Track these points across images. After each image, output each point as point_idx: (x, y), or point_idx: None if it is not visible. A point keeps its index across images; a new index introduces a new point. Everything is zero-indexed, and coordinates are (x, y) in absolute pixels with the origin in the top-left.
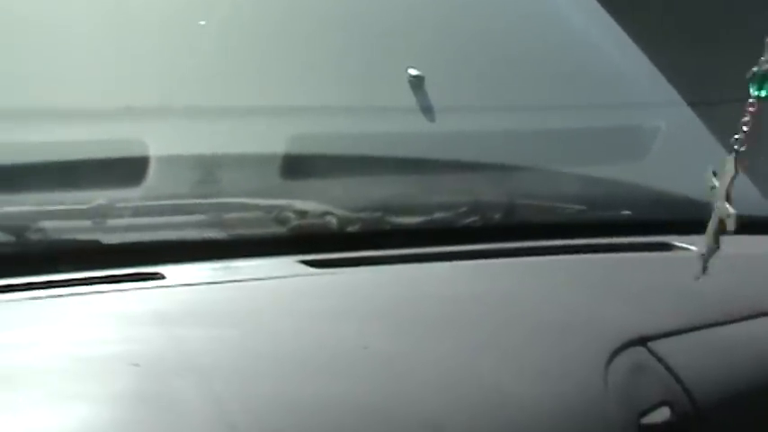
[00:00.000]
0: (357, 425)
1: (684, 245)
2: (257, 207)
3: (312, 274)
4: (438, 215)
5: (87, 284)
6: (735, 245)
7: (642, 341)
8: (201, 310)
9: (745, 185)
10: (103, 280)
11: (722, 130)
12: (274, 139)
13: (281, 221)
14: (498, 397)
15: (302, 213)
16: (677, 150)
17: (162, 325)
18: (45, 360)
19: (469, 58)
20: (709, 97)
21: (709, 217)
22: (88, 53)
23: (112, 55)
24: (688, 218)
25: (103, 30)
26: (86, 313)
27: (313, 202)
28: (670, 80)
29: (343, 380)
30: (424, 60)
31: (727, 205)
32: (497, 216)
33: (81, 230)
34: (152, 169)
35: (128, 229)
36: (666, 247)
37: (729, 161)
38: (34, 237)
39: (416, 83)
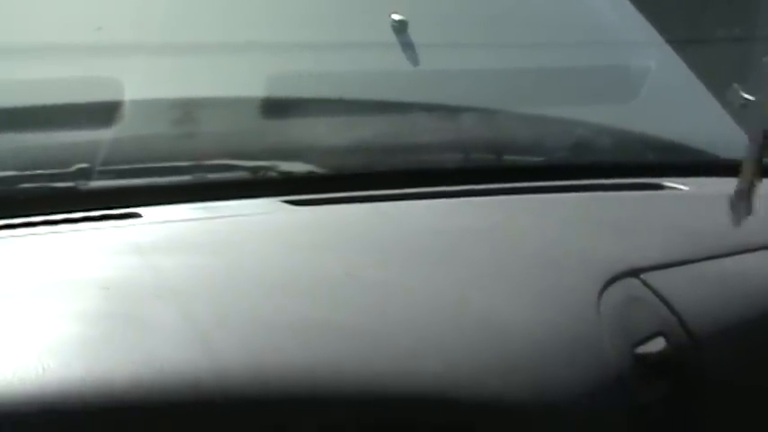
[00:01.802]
0: (339, 345)
1: (674, 185)
2: (236, 149)
3: (294, 211)
4: (423, 156)
5: (63, 224)
6: (723, 185)
7: (635, 273)
8: (179, 242)
9: (736, 130)
10: (82, 220)
11: (711, 71)
12: (255, 78)
13: (263, 164)
14: (489, 323)
15: (285, 154)
16: (666, 93)
17: (136, 254)
18: (19, 287)
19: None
20: (698, 37)
21: (700, 160)
22: None
23: None
24: (677, 161)
25: None
26: (62, 248)
27: (296, 144)
28: (659, 20)
29: (324, 303)
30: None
31: None
32: (485, 157)
33: (56, 176)
34: (128, 110)
35: (105, 172)
36: (657, 187)
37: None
38: (11, 181)
39: (399, 27)
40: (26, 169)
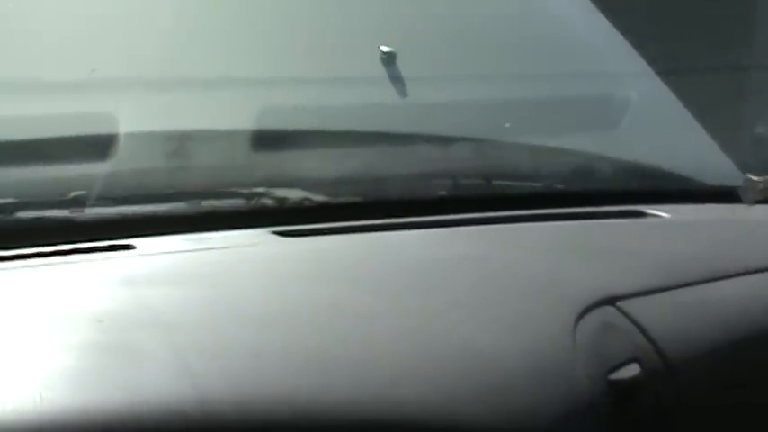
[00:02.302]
0: (323, 376)
1: (655, 212)
2: (228, 180)
3: (283, 243)
4: (410, 186)
5: (56, 255)
6: (705, 212)
7: (611, 300)
8: (169, 274)
9: (716, 156)
10: (73, 252)
11: (692, 100)
12: (246, 112)
13: (253, 194)
14: (467, 352)
15: (274, 186)
16: (648, 121)
17: (128, 287)
18: (10, 319)
19: (440, 31)
20: (680, 67)
21: (682, 187)
22: (54, 24)
23: (78, 27)
24: (660, 188)
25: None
26: (54, 281)
27: (286, 176)
28: (641, 51)
29: (308, 333)
30: (395, 34)
31: None
32: (470, 187)
33: (51, 206)
34: (122, 143)
35: (98, 204)
36: (638, 214)
37: None
38: (6, 215)
39: (388, 59)
40: (22, 201)
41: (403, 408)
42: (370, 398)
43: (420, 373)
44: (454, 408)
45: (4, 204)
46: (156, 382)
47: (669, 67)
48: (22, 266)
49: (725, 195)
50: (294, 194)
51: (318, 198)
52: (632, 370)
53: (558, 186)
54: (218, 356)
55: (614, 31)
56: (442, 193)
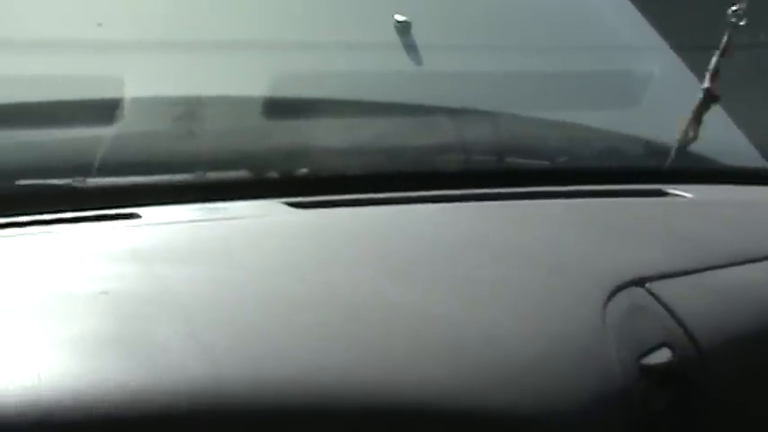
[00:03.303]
0: (340, 356)
1: (677, 192)
2: (238, 149)
3: (297, 215)
4: (425, 158)
5: (59, 223)
6: (729, 194)
7: (641, 282)
8: (177, 245)
9: (739, 137)
10: (78, 220)
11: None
12: (258, 78)
13: (266, 164)
14: (492, 333)
15: (286, 155)
16: (669, 98)
17: (134, 258)
18: (14, 292)
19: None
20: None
21: (704, 166)
22: None
23: None
24: (680, 167)
25: None
26: (61, 249)
27: (299, 145)
28: (666, 27)
29: (325, 313)
30: (411, 3)
31: None
32: (487, 161)
33: (55, 172)
34: (128, 107)
35: (103, 170)
36: (660, 193)
37: None
38: (10, 177)
39: (403, 28)
40: (26, 166)
41: (425, 392)
42: (390, 380)
43: (442, 357)
44: (481, 391)
45: (6, 170)
46: (165, 360)
47: (694, 44)
48: (24, 234)
49: (746, 176)
50: (306, 165)
51: (330, 169)
52: (664, 355)
53: (579, 163)
54: (231, 334)
55: (639, 5)
56: (459, 166)
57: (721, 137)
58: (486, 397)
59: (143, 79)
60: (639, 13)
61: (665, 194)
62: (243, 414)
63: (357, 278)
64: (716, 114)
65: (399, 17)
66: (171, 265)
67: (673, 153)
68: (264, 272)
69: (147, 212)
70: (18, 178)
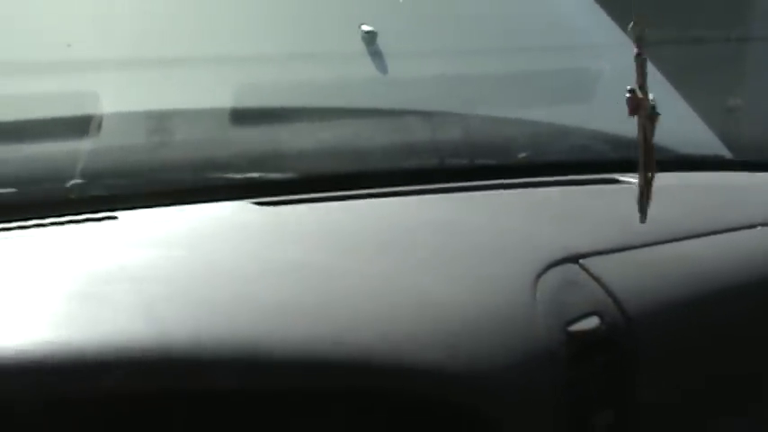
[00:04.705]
0: (281, 320)
1: (628, 179)
2: (209, 156)
3: (261, 211)
4: (389, 159)
5: (42, 227)
6: (684, 179)
7: (574, 258)
8: (149, 239)
9: (692, 125)
10: (54, 224)
11: (666, 70)
12: (224, 89)
13: (234, 169)
14: (425, 301)
15: (255, 160)
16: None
17: (106, 249)
18: None
19: (419, 6)
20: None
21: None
22: (35, 6)
23: (58, 6)
24: (633, 157)
25: None
26: (32, 248)
27: (266, 150)
28: (617, 21)
29: (273, 286)
30: (375, 11)
31: None
32: (448, 158)
33: (37, 183)
34: (103, 122)
35: (80, 182)
36: (612, 181)
37: None
38: None
39: (369, 38)
40: (4, 179)
41: (358, 349)
42: (324, 340)
43: (376, 318)
44: (409, 349)
45: None
46: (119, 324)
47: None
48: (7, 237)
49: (704, 164)
50: (274, 168)
51: (296, 172)
52: (591, 322)
53: (540, 158)
54: (183, 304)
55: (590, 1)
56: (420, 164)
57: (682, 126)
58: (414, 355)
59: (115, 95)
60: (594, 7)
61: (617, 182)
62: (182, 363)
63: (307, 259)
64: (677, 104)
65: (366, 27)
66: (136, 250)
67: (629, 144)
68: (221, 254)
69: (124, 215)
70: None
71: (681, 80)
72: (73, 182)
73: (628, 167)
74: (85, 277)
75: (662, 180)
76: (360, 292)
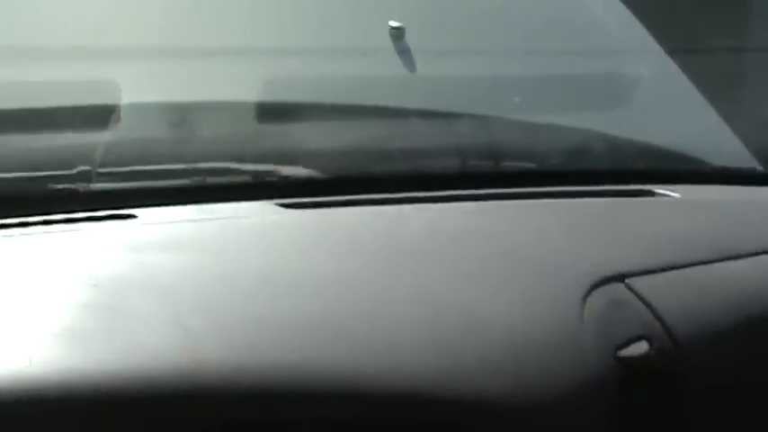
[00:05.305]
0: (322, 343)
1: (666, 192)
2: (233, 153)
3: (287, 214)
4: (418, 161)
5: (59, 224)
6: (719, 193)
7: (620, 277)
8: (171, 241)
9: (731, 138)
10: (74, 221)
11: (703, 79)
12: (252, 82)
13: (259, 167)
14: (473, 322)
15: (279, 159)
16: (660, 100)
17: (128, 252)
18: (10, 285)
19: (451, 4)
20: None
21: (692, 167)
22: None
23: None
24: (670, 168)
25: None
26: (57, 247)
27: (292, 148)
28: (654, 29)
29: (307, 300)
30: (405, 7)
31: None
32: (479, 164)
33: (56, 176)
34: (125, 113)
35: (101, 175)
36: (648, 193)
37: None
38: (10, 181)
39: (397, 34)
40: (25, 170)
41: (405, 375)
42: (369, 366)
43: (423, 341)
44: (458, 376)
45: (7, 176)
46: (150, 343)
47: (681, 45)
48: (25, 233)
49: (737, 177)
50: (299, 167)
51: (323, 171)
52: (641, 347)
53: (570, 165)
54: (215, 319)
55: (626, 7)
56: (449, 169)
57: (713, 138)
58: (461, 383)
59: (139, 85)
60: (631, 15)
61: (652, 194)
62: (217, 388)
63: (343, 270)
64: (708, 115)
65: (394, 23)
66: (161, 256)
67: (663, 154)
68: (250, 262)
69: (144, 213)
70: (21, 183)
71: (714, 91)
72: (89, 174)
73: (663, 178)
74: (105, 284)
75: (699, 193)
76: (401, 309)
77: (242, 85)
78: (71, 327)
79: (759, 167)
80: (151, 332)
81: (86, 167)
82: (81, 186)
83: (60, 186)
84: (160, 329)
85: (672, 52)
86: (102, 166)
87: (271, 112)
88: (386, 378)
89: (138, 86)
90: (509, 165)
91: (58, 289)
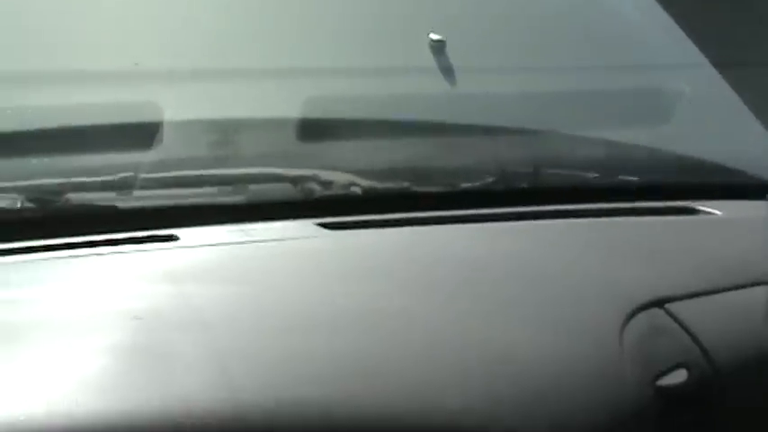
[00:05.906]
0: (363, 384)
1: (708, 209)
2: (274, 171)
3: (328, 236)
4: (457, 179)
5: (98, 246)
6: (758, 210)
7: (660, 303)
8: (212, 268)
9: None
10: (115, 242)
11: (746, 93)
12: (292, 101)
13: (299, 185)
14: (512, 357)
15: (320, 177)
16: (701, 114)
17: (171, 282)
18: (52, 315)
19: (491, 20)
20: (735, 59)
21: (735, 182)
22: (100, 14)
23: (124, 16)
24: (712, 183)
25: None
26: (97, 272)
27: (332, 166)
28: (695, 41)
29: (351, 339)
30: (445, 23)
31: None
32: (518, 180)
33: (98, 196)
34: (167, 133)
35: (143, 193)
36: (690, 211)
37: None
38: (53, 202)
39: (438, 47)
40: (66, 189)
41: (446, 415)
42: (406, 406)
43: (463, 380)
44: (498, 414)
45: (47, 192)
46: (192, 385)
47: (724, 59)
48: (61, 257)
49: None
50: (339, 185)
51: (364, 188)
52: (680, 376)
53: (611, 180)
54: (257, 360)
55: (670, 20)
56: (490, 185)
57: (757, 152)
58: (498, 421)
59: (180, 106)
60: (675, 28)
61: (695, 212)
62: None
63: (383, 303)
64: (753, 128)
65: (434, 36)
66: (202, 287)
67: (706, 168)
68: (292, 293)
69: (184, 233)
70: (63, 201)
71: (760, 104)
72: (130, 195)
73: (705, 193)
74: (148, 319)
75: (742, 210)
76: (437, 343)
77: (282, 104)
78: (115, 368)
79: None
80: (192, 375)
81: (126, 184)
82: (121, 204)
83: (101, 204)
84: (201, 372)
85: (716, 65)
86: (142, 184)
87: (310, 130)
88: (422, 418)
89: (179, 107)
90: (549, 180)
91: (100, 323)
